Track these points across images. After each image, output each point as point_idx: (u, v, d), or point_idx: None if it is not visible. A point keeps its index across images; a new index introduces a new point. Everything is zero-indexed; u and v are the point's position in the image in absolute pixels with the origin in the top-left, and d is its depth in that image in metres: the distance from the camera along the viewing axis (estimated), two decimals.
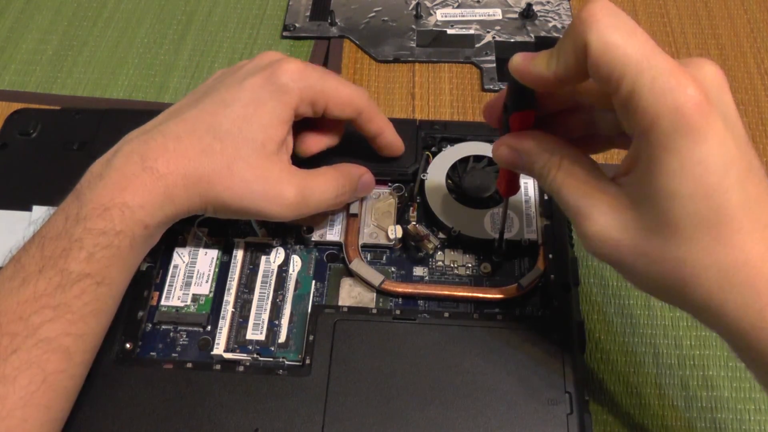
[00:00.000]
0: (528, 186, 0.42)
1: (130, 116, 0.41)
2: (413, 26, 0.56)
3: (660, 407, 0.39)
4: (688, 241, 0.26)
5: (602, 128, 0.32)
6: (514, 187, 0.35)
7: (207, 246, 0.41)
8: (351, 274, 0.39)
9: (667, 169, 0.26)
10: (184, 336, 0.38)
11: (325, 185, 0.38)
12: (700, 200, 0.26)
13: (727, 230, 0.26)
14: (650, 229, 0.27)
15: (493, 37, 0.55)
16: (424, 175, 0.42)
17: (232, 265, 0.40)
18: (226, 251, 0.40)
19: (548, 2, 0.58)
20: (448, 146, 0.44)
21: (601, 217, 0.28)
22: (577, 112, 0.33)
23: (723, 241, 0.26)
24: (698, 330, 0.41)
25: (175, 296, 0.39)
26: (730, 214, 0.26)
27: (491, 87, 0.52)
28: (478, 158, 0.43)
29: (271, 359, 0.36)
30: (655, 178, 0.26)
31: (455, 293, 0.38)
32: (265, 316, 0.38)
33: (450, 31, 0.56)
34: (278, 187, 0.36)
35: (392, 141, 0.41)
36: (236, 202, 0.35)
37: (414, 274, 0.40)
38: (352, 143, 0.42)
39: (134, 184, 0.34)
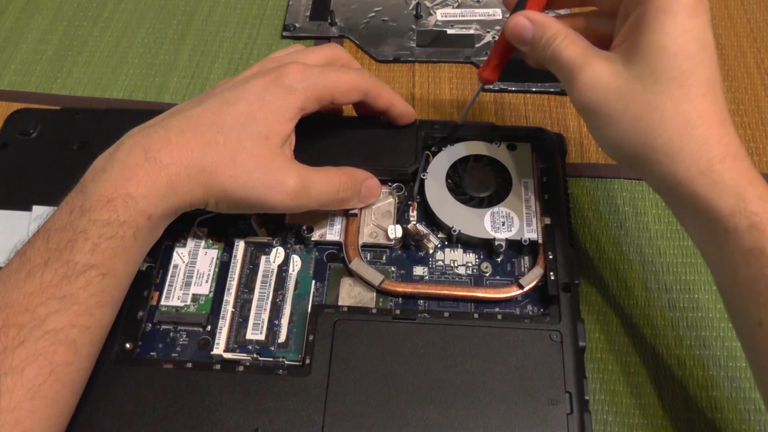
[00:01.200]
0: (528, 186, 0.42)
1: (130, 116, 0.41)
2: (413, 26, 0.56)
3: (660, 407, 0.38)
4: (663, 91, 0.32)
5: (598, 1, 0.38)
6: (497, 73, 0.40)
7: (207, 246, 0.41)
8: (351, 273, 0.39)
9: (663, 27, 0.32)
10: (184, 336, 0.38)
11: (327, 179, 0.38)
12: (682, 60, 0.32)
13: (695, 92, 0.32)
14: (636, 77, 0.33)
15: (493, 37, 0.55)
16: (424, 175, 0.42)
17: (232, 265, 0.40)
18: (226, 251, 0.40)
19: None
20: (448, 146, 0.44)
21: (597, 66, 0.34)
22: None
23: (690, 99, 0.32)
24: (698, 330, 0.41)
25: (175, 296, 0.39)
26: (700, 82, 0.32)
27: (491, 87, 0.52)
28: (478, 158, 0.43)
29: (271, 359, 0.37)
30: (651, 35, 0.32)
31: (455, 293, 0.38)
32: (265, 316, 0.38)
33: (450, 31, 0.56)
34: (280, 176, 0.36)
35: (403, 110, 0.43)
36: (238, 191, 0.36)
37: (414, 273, 0.40)
38: (353, 145, 0.42)
39: (138, 175, 0.34)
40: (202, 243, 0.41)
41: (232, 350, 0.37)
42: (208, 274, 0.39)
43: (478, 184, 0.42)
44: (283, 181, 0.36)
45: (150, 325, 0.38)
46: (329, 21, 0.57)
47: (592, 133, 0.35)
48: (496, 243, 0.39)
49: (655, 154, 0.32)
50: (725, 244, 0.31)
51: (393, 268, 0.40)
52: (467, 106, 0.43)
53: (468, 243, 0.40)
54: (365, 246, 0.40)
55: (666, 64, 0.32)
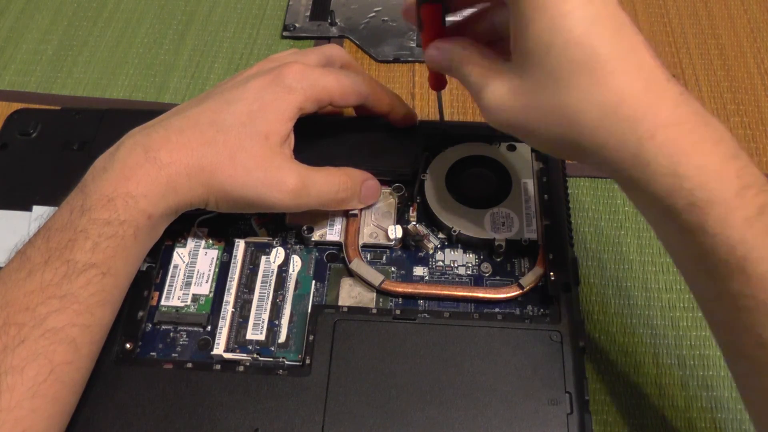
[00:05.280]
0: (528, 186, 0.42)
1: (130, 116, 0.41)
2: (413, 26, 0.56)
3: (660, 407, 0.39)
4: (567, 88, 0.29)
5: (503, 30, 0.36)
6: (442, 81, 0.40)
7: (207, 246, 0.41)
8: (351, 274, 0.39)
9: (540, 25, 0.29)
10: (184, 336, 0.38)
11: (326, 179, 0.38)
12: (573, 48, 0.29)
13: (601, 73, 0.29)
14: (535, 85, 0.30)
15: None
16: (424, 176, 0.42)
17: (232, 265, 0.40)
18: (226, 251, 0.40)
19: None
20: (448, 146, 0.44)
21: (494, 88, 0.32)
22: (481, 18, 0.37)
23: (599, 83, 0.29)
24: (698, 330, 0.41)
25: (175, 296, 0.39)
26: (603, 60, 0.29)
27: None
28: (477, 159, 0.43)
29: (271, 359, 0.36)
30: (530, 36, 0.29)
31: (455, 293, 0.38)
32: (265, 316, 0.38)
33: None
34: (279, 174, 0.36)
35: (404, 114, 0.43)
36: (237, 190, 0.36)
37: (414, 274, 0.40)
38: (352, 146, 0.42)
39: (138, 174, 0.34)
40: (203, 243, 0.41)
41: (232, 350, 0.37)
42: (208, 274, 0.39)
43: (477, 185, 0.42)
44: (282, 180, 0.36)
45: (150, 325, 0.38)
46: (329, 21, 0.57)
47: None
48: (496, 243, 0.39)
49: (586, 150, 0.30)
50: (668, 223, 0.29)
51: (393, 269, 0.40)
52: (439, 112, 0.43)
53: (468, 243, 0.40)
54: (365, 246, 0.40)
55: (559, 59, 0.29)
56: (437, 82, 0.40)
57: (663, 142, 0.28)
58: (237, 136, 0.36)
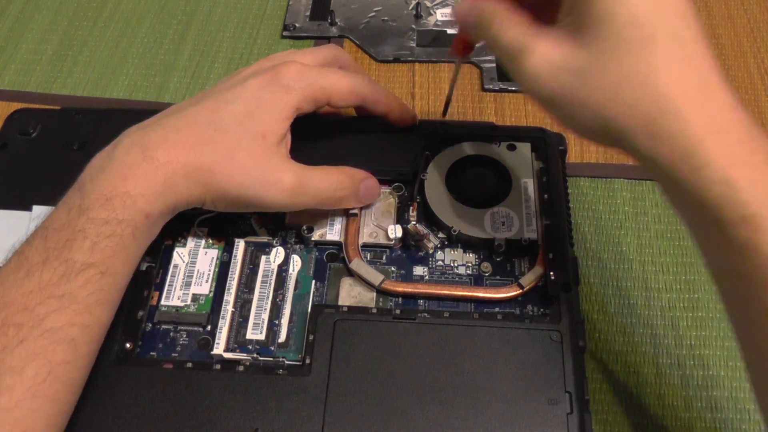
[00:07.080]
0: (528, 186, 0.42)
1: (130, 116, 0.41)
2: (413, 26, 0.56)
3: (660, 407, 0.38)
4: (623, 67, 0.28)
5: None
6: (468, 46, 0.39)
7: (207, 246, 0.41)
8: (351, 273, 0.39)
9: None
10: (184, 336, 0.38)
11: (324, 177, 0.38)
12: (635, 28, 0.27)
13: (661, 59, 0.27)
14: (589, 55, 0.28)
15: None
16: (424, 175, 0.42)
17: (232, 264, 0.40)
18: (226, 251, 0.40)
19: None
20: (448, 146, 0.44)
21: (543, 49, 0.30)
22: None
23: (656, 69, 0.27)
24: (699, 330, 0.41)
25: (175, 296, 0.39)
26: (665, 45, 0.27)
27: (491, 87, 0.52)
28: (477, 158, 0.43)
29: (271, 359, 0.36)
30: (596, 6, 0.28)
31: (455, 293, 0.38)
32: (265, 316, 0.38)
33: (450, 31, 0.56)
34: (277, 173, 0.36)
35: (402, 115, 0.42)
36: (235, 189, 0.36)
37: (414, 273, 0.40)
38: (352, 146, 0.42)
39: (135, 174, 0.34)
40: (202, 243, 0.41)
41: (232, 350, 0.37)
42: (208, 274, 0.39)
43: (477, 185, 0.42)
44: (279, 178, 0.36)
45: (150, 325, 0.38)
46: (329, 21, 0.57)
47: (559, 122, 0.31)
48: (496, 243, 0.39)
49: (634, 138, 0.28)
50: (715, 235, 0.27)
51: (393, 268, 0.40)
52: (450, 87, 0.43)
53: (468, 243, 0.40)
54: (365, 246, 0.40)
55: (619, 35, 0.28)
56: (463, 46, 0.38)
57: (716, 146, 0.26)
58: (234, 135, 0.36)
